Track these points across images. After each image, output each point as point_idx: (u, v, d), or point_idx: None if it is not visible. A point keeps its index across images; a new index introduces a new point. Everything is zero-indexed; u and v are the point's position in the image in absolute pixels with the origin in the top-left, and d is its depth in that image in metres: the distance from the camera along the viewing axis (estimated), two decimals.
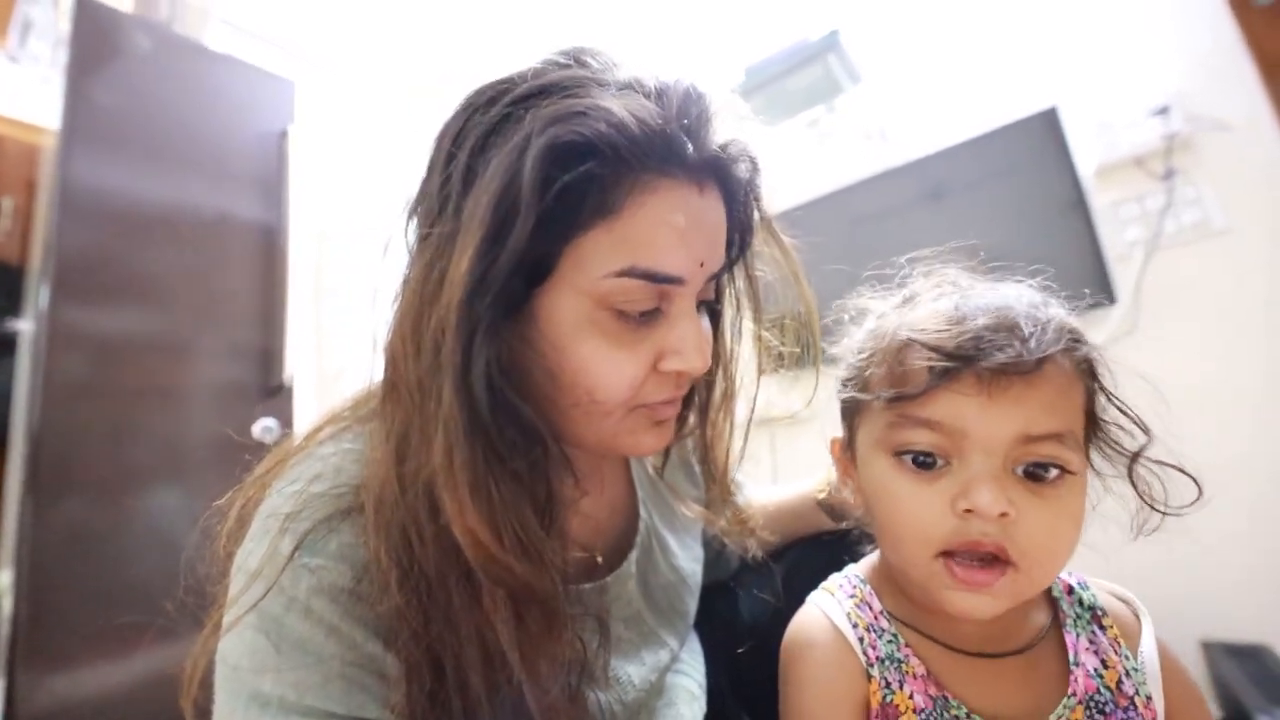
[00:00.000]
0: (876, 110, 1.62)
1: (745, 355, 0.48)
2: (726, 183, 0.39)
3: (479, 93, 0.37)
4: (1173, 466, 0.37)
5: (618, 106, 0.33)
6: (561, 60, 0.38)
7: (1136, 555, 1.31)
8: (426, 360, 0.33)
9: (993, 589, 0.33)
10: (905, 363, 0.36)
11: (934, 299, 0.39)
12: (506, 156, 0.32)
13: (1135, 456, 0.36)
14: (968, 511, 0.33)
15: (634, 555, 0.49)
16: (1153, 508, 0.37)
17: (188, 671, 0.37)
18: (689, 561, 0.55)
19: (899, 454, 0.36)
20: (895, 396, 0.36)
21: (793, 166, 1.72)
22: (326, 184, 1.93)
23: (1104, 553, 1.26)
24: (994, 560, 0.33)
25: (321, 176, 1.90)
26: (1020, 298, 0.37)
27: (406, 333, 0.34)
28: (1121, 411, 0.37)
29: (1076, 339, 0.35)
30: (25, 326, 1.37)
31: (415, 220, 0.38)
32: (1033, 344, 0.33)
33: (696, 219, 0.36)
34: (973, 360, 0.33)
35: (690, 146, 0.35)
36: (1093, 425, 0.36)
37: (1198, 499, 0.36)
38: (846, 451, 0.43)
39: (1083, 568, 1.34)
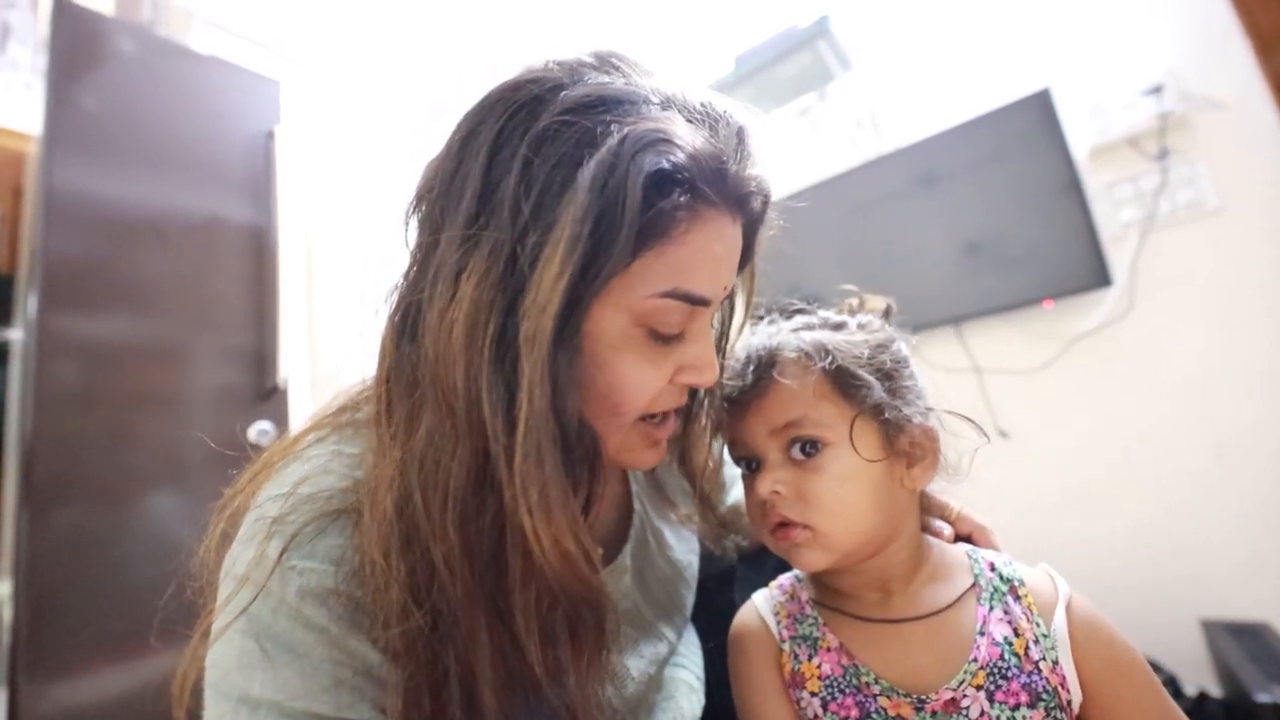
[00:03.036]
0: (868, 97, 1.61)
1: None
2: (748, 214, 0.41)
3: (515, 88, 0.35)
4: (958, 415, 0.46)
5: (691, 137, 0.34)
6: (595, 63, 0.37)
7: (1139, 536, 1.31)
8: (487, 372, 0.32)
9: (800, 543, 0.43)
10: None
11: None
12: (595, 173, 0.32)
13: (878, 405, 0.44)
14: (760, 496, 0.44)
15: (629, 549, 0.49)
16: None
17: (178, 681, 0.37)
18: (685, 554, 0.55)
19: (738, 463, 0.48)
20: (716, 428, 0.50)
21: (784, 155, 1.71)
22: (315, 184, 1.91)
23: (1108, 535, 1.26)
24: (791, 526, 0.43)
25: (310, 176, 1.89)
26: (760, 334, 0.49)
27: (458, 339, 0.32)
28: (850, 376, 0.44)
29: (791, 349, 0.45)
30: (15, 335, 1.36)
31: (431, 212, 0.37)
32: (749, 375, 0.46)
33: (728, 247, 0.39)
34: (727, 396, 0.47)
35: (732, 180, 0.37)
36: (851, 399, 0.44)
37: (985, 443, 0.45)
38: None
39: (1089, 547, 1.33)
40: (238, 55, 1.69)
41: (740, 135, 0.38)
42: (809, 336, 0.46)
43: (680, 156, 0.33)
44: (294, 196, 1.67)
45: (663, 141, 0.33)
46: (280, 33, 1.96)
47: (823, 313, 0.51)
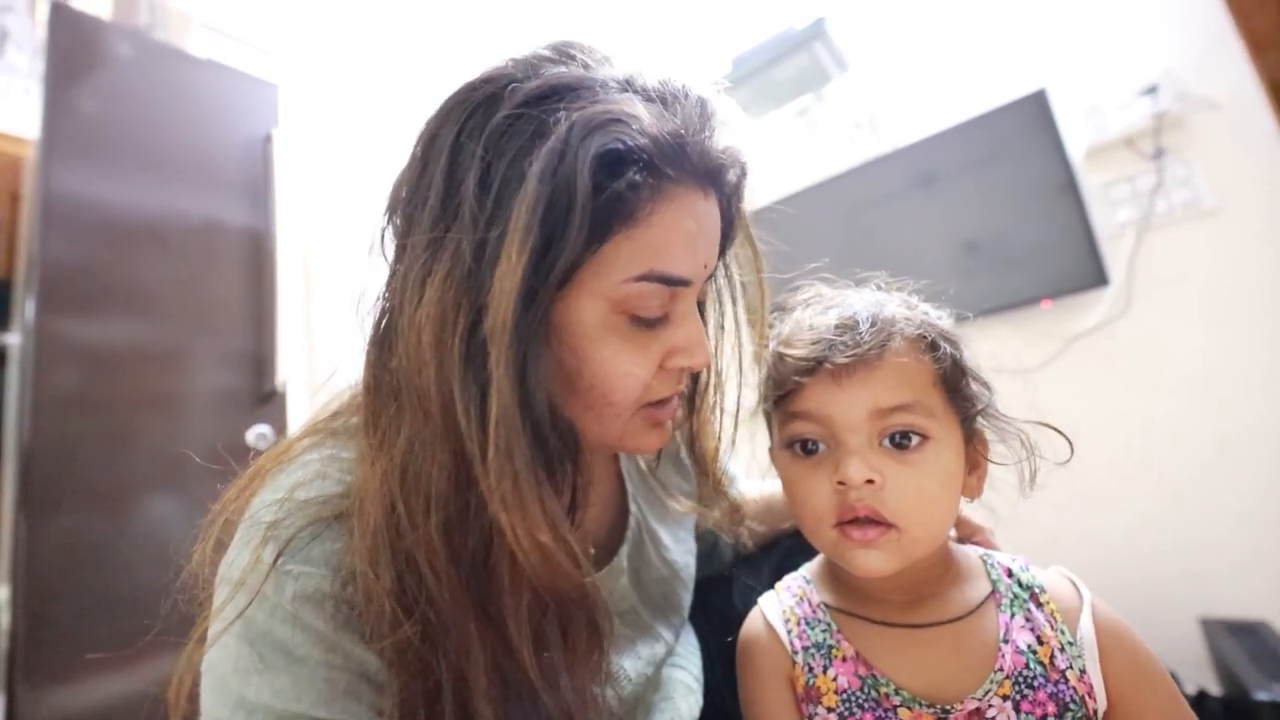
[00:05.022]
0: (865, 98, 1.62)
1: (727, 348, 0.49)
2: (722, 187, 0.40)
3: (471, 89, 0.35)
4: (1043, 424, 0.43)
5: (645, 115, 0.33)
6: (552, 55, 0.37)
7: (1138, 534, 1.31)
8: (457, 371, 0.32)
9: (879, 544, 0.39)
10: (780, 370, 0.43)
11: (800, 312, 0.46)
12: (546, 161, 0.31)
13: (979, 411, 0.42)
14: (841, 484, 0.39)
15: (625, 550, 0.49)
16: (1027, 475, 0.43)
17: (173, 686, 0.37)
18: (682, 554, 0.55)
19: (790, 446, 0.43)
20: (776, 399, 0.44)
21: (782, 156, 1.71)
22: (313, 187, 1.91)
23: (1107, 533, 1.25)
24: (875, 523, 0.39)
25: (307, 180, 1.89)
26: (863, 299, 0.44)
27: (427, 342, 0.32)
28: (966, 373, 0.42)
29: (910, 324, 0.42)
30: (13, 340, 1.36)
31: (401, 220, 0.37)
32: (867, 337, 0.40)
33: (703, 224, 0.37)
34: (821, 359, 0.40)
35: (698, 155, 0.36)
36: (952, 393, 0.41)
37: (1070, 456, 0.43)
38: (772, 455, 0.49)
39: (1088, 546, 1.33)
40: (235, 59, 1.69)
41: (703, 108, 0.37)
42: (920, 317, 0.42)
43: (633, 135, 0.32)
44: (292, 200, 1.67)
45: (613, 122, 0.32)
46: (278, 36, 1.96)
47: (902, 293, 0.47)
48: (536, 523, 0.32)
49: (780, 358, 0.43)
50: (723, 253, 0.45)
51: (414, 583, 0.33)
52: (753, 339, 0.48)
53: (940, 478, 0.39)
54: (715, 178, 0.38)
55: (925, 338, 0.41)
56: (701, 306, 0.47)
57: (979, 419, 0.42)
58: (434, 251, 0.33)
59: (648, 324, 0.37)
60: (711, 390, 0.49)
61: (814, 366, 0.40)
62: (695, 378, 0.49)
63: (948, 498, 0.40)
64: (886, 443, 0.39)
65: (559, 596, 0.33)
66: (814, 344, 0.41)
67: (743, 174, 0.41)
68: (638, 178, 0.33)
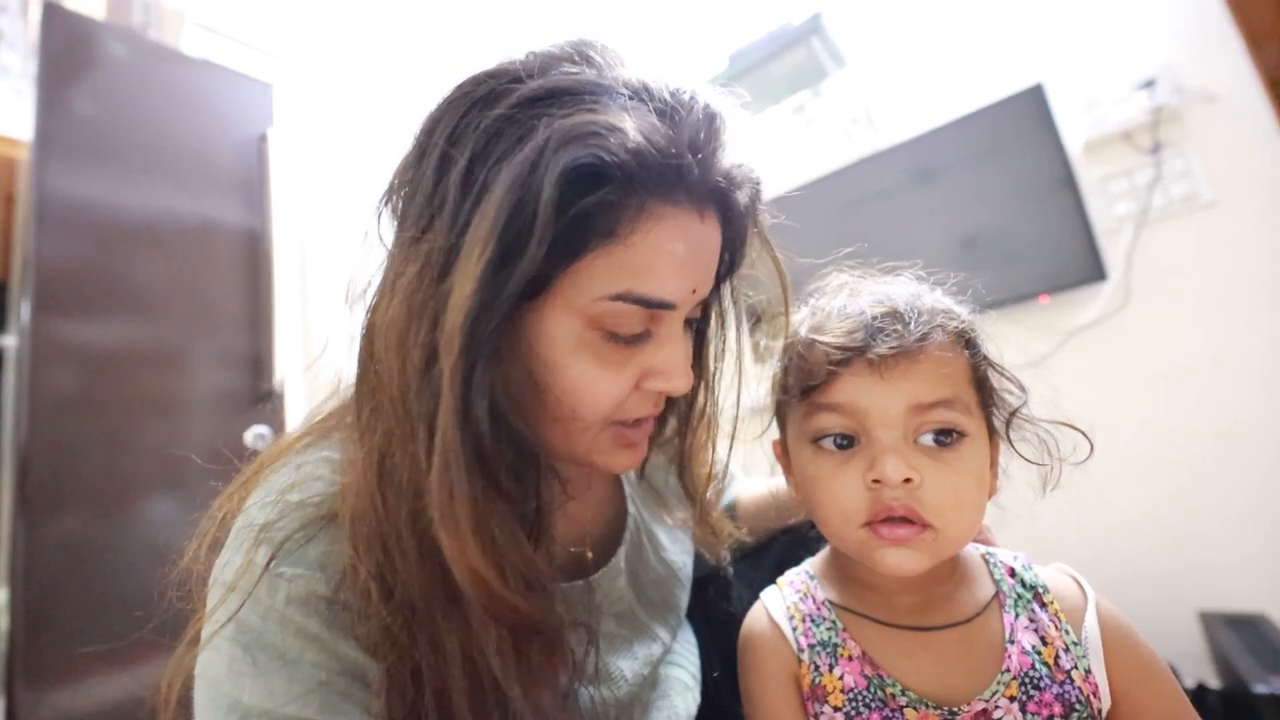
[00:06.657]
0: (862, 93, 1.61)
1: (727, 377, 0.47)
2: (726, 208, 0.38)
3: (475, 83, 0.34)
4: (1063, 424, 0.41)
5: (633, 128, 0.31)
6: (565, 53, 0.36)
7: (1137, 529, 1.31)
8: (414, 378, 0.32)
9: (913, 543, 0.37)
10: (810, 359, 0.41)
11: (830, 300, 0.44)
12: (517, 171, 0.30)
13: (1014, 412, 0.41)
14: (876, 482, 0.37)
15: (623, 551, 0.49)
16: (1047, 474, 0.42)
17: (163, 690, 0.36)
18: (679, 554, 0.55)
19: (816, 440, 0.41)
20: (804, 389, 0.41)
21: (779, 152, 1.71)
22: (308, 186, 1.91)
23: (1105, 527, 1.25)
24: (910, 522, 0.37)
25: (303, 179, 1.88)
26: (900, 289, 0.42)
27: (392, 343, 0.32)
28: (999, 373, 0.41)
29: (950, 318, 0.40)
30: (9, 341, 1.36)
31: (392, 212, 0.37)
32: (911, 327, 0.38)
33: (695, 247, 0.36)
34: (862, 348, 0.38)
35: (697, 173, 0.34)
36: (982, 390, 0.40)
37: (1090, 455, 0.41)
38: (783, 450, 0.47)
39: (1087, 540, 1.32)
40: (230, 58, 1.68)
41: (710, 123, 0.35)
42: (958, 310, 0.41)
43: (612, 150, 0.30)
44: (288, 199, 1.66)
45: (592, 135, 0.30)
46: (272, 35, 1.95)
47: (924, 285, 0.45)
48: (468, 547, 0.30)
49: (811, 345, 0.41)
50: (728, 277, 0.44)
51: (391, 573, 0.33)
52: (770, 335, 0.47)
53: (976, 476, 0.38)
54: (718, 198, 0.36)
55: (964, 333, 0.40)
56: (704, 330, 0.46)
57: (1011, 419, 0.41)
58: (411, 251, 0.33)
59: (626, 341, 0.36)
60: (706, 421, 0.48)
61: (851, 356, 0.38)
62: (690, 400, 0.47)
63: (981, 497, 0.39)
64: (926, 439, 0.37)
65: (495, 617, 0.32)
66: (852, 332, 0.39)
67: (755, 195, 0.39)
68: (612, 196, 0.31)
